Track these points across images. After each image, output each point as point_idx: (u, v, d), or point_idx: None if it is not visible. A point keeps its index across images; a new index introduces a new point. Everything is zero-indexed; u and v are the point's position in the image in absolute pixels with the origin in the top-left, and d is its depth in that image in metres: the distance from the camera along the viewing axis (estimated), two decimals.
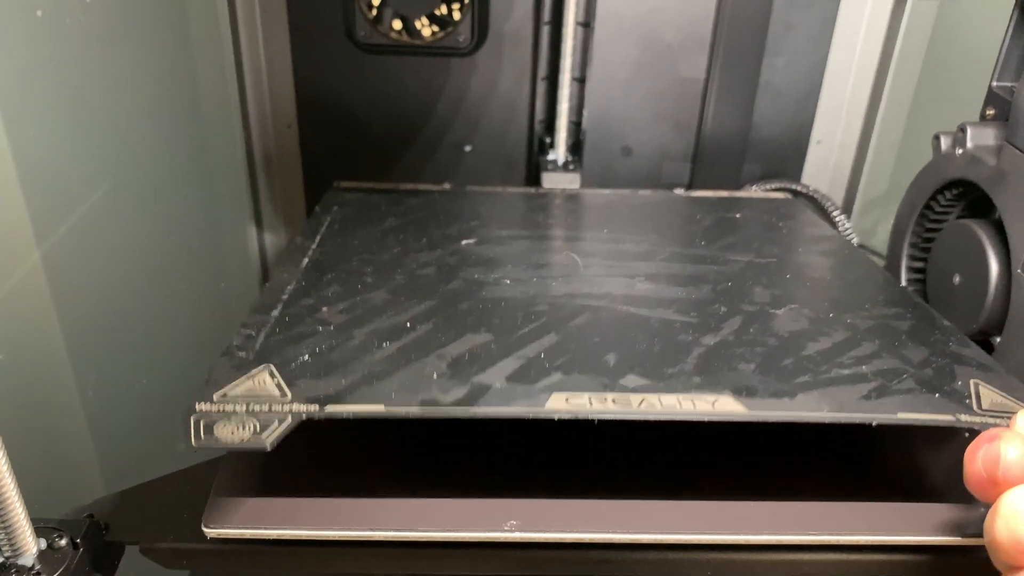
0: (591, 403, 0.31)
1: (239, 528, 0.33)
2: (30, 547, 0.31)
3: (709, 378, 0.34)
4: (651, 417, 0.31)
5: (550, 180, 0.68)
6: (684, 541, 0.33)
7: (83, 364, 0.45)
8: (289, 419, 0.31)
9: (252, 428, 0.30)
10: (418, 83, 0.71)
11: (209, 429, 0.30)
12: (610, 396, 0.32)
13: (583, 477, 0.35)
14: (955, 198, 0.51)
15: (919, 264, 0.55)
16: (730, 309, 0.42)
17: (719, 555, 0.33)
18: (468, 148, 0.73)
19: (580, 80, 0.70)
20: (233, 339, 0.38)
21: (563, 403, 0.31)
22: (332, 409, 0.31)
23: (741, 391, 0.33)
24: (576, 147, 0.71)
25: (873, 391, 0.34)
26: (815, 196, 0.74)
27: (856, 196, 0.76)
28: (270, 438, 0.30)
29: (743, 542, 0.33)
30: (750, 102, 0.72)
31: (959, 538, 0.32)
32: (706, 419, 0.31)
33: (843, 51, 0.73)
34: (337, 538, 0.33)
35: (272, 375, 0.34)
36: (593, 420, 0.31)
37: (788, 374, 0.35)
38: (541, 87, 0.71)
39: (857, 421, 0.31)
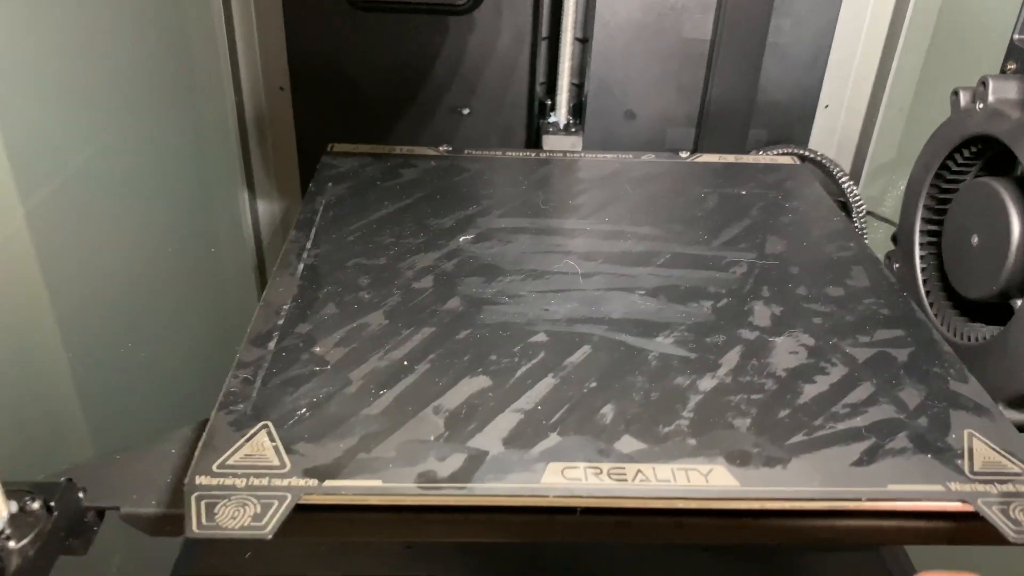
0: (586, 477, 0.32)
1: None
2: None
3: (703, 439, 0.34)
4: (645, 495, 0.31)
5: (551, 143, 0.66)
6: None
7: (69, 328, 0.44)
8: (288, 498, 0.30)
9: (252, 511, 0.30)
10: (414, 43, 0.68)
11: (210, 512, 0.30)
12: (606, 467, 0.32)
13: None
14: (974, 156, 0.49)
15: (934, 227, 0.53)
16: (729, 337, 0.42)
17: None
18: (466, 111, 0.71)
19: (583, 40, 0.68)
20: (229, 383, 0.37)
21: (559, 477, 0.32)
22: (331, 485, 0.31)
23: (734, 459, 0.33)
24: (578, 110, 0.69)
25: (865, 454, 0.34)
26: (823, 162, 0.72)
27: (865, 161, 0.74)
28: (270, 524, 0.30)
29: (756, 508, 0.32)
30: (757, 65, 0.69)
31: None
32: (700, 497, 0.31)
33: (853, 11, 0.70)
34: (332, 502, 0.31)
35: (271, 438, 0.33)
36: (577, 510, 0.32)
37: (782, 432, 0.35)
38: (542, 47, 0.68)
39: (847, 498, 0.32)
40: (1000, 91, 0.46)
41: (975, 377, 0.40)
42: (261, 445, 0.33)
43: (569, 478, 0.32)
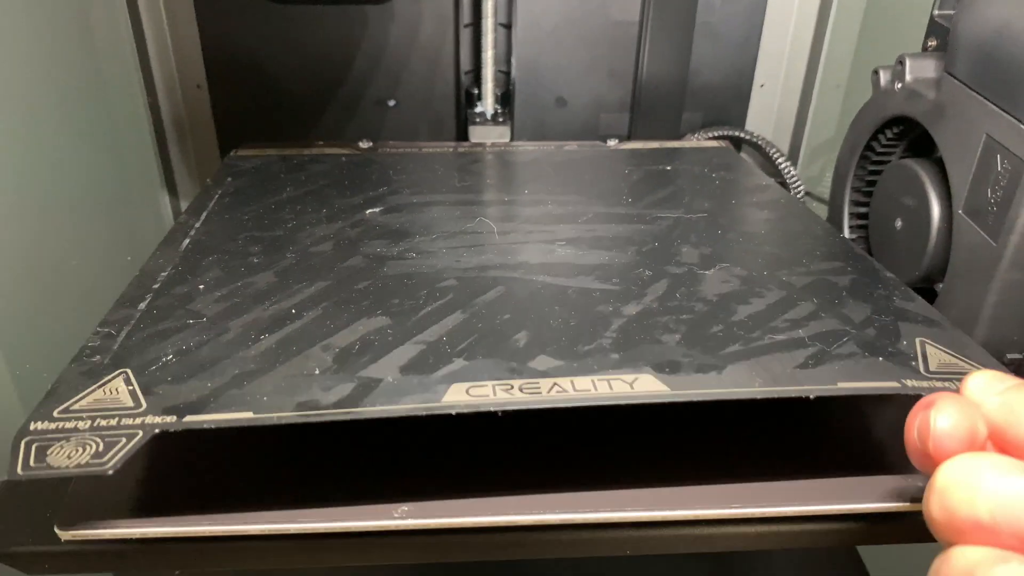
0: (495, 393, 0.28)
1: (96, 529, 0.30)
2: None
3: (628, 354, 0.31)
4: (561, 404, 0.27)
5: (478, 134, 0.64)
6: (602, 520, 0.30)
7: None
8: (139, 434, 0.26)
9: (93, 449, 0.26)
10: (334, 35, 0.66)
11: (41, 454, 0.26)
12: (517, 383, 0.29)
13: (488, 465, 0.32)
14: (896, 137, 0.48)
15: (862, 209, 0.52)
16: (655, 273, 0.38)
17: (637, 532, 0.30)
18: (392, 103, 0.68)
19: (506, 26, 0.66)
20: (87, 340, 0.33)
21: (463, 395, 0.28)
22: (191, 420, 0.27)
23: (663, 367, 0.30)
24: (506, 98, 0.67)
25: (810, 358, 0.31)
26: (760, 143, 0.70)
27: (802, 141, 0.73)
28: (112, 460, 0.25)
29: (663, 519, 0.30)
30: (687, 45, 0.68)
31: (905, 504, 0.30)
32: (623, 403, 0.28)
33: None
34: (206, 534, 0.30)
35: (128, 382, 0.29)
36: (496, 412, 0.27)
37: (716, 344, 0.32)
38: (465, 35, 0.66)
39: (791, 395, 0.28)
40: (917, 70, 0.45)
41: None
42: (115, 390, 0.29)
43: (475, 395, 0.28)
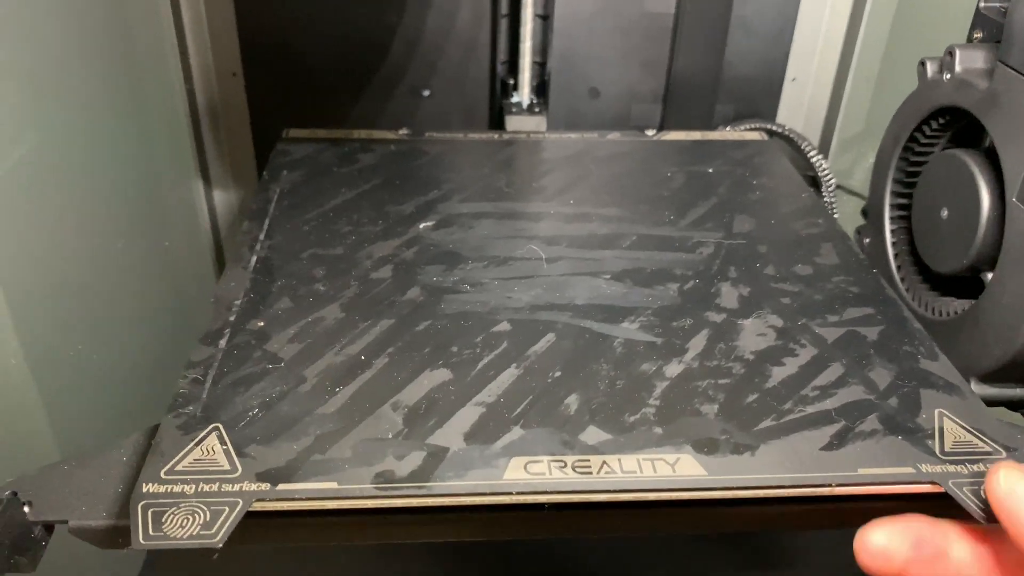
0: (550, 471, 0.31)
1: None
2: None
3: (670, 428, 0.33)
4: (610, 488, 0.30)
5: (514, 123, 0.64)
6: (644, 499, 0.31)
7: (23, 330, 0.42)
8: (240, 504, 0.29)
9: (201, 520, 0.28)
10: (370, 23, 0.66)
11: (158, 523, 0.28)
12: (570, 460, 0.31)
13: None
14: (942, 127, 0.49)
15: (903, 200, 0.52)
16: (696, 321, 0.41)
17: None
18: (426, 92, 0.69)
19: (543, 17, 0.66)
20: (179, 384, 0.35)
21: (522, 472, 0.31)
22: (283, 489, 0.29)
23: (702, 447, 0.32)
24: (541, 88, 0.68)
25: (835, 439, 0.33)
26: (791, 136, 0.71)
27: (833, 134, 0.74)
28: (220, 532, 0.28)
29: (732, 496, 0.31)
30: (722, 38, 0.68)
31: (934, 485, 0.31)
32: (667, 488, 0.31)
33: None
34: (291, 508, 0.30)
35: (221, 440, 0.32)
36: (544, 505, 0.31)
37: (750, 418, 0.34)
38: (503, 25, 0.66)
39: (817, 484, 0.31)
40: (967, 61, 0.45)
41: (947, 352, 0.39)
42: (211, 449, 0.31)
43: (532, 473, 0.31)
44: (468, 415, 0.34)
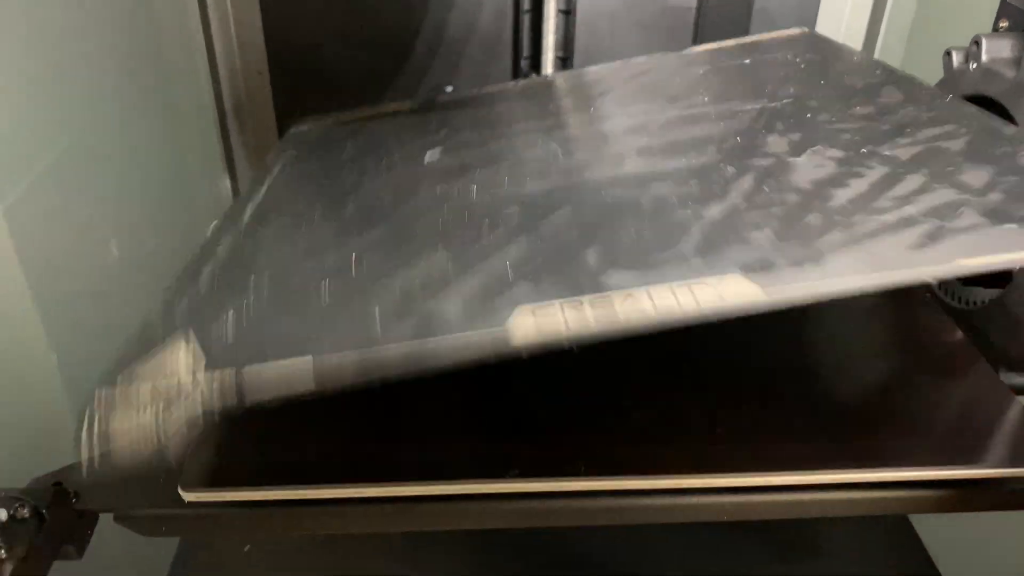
0: (563, 312, 0.25)
1: (219, 491, 0.31)
2: None
3: (711, 257, 0.27)
4: (641, 330, 0.24)
5: None
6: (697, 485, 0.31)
7: (54, 325, 0.43)
8: (198, 403, 0.25)
9: (152, 416, 0.26)
10: (394, 22, 0.67)
11: (105, 420, 0.26)
12: (586, 299, 0.25)
13: (571, 409, 0.33)
14: None
15: None
16: (738, 168, 0.34)
17: (735, 498, 0.31)
18: (449, 88, 0.69)
19: (566, 12, 0.66)
20: (151, 309, 0.32)
21: (529, 317, 0.25)
22: (252, 375, 0.25)
23: (753, 268, 0.25)
24: None
25: (925, 237, 0.26)
26: None
27: None
28: (166, 428, 0.25)
29: (757, 483, 0.31)
30: (744, 31, 0.68)
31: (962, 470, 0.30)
32: (712, 317, 0.24)
33: None
34: (324, 496, 0.31)
35: (187, 345, 0.28)
36: (571, 348, 0.25)
37: (812, 234, 0.27)
38: (525, 21, 0.67)
39: (908, 282, 0.24)
40: (994, 50, 0.45)
41: (976, 341, 0.39)
42: (176, 358, 0.28)
43: (541, 316, 0.25)
44: (467, 283, 0.28)
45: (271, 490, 0.31)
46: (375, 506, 0.31)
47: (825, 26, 0.71)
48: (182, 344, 0.28)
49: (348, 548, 0.61)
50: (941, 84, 0.50)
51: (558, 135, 0.43)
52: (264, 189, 0.44)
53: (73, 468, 0.34)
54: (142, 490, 0.32)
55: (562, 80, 0.55)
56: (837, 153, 0.34)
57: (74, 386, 0.44)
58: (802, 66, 0.47)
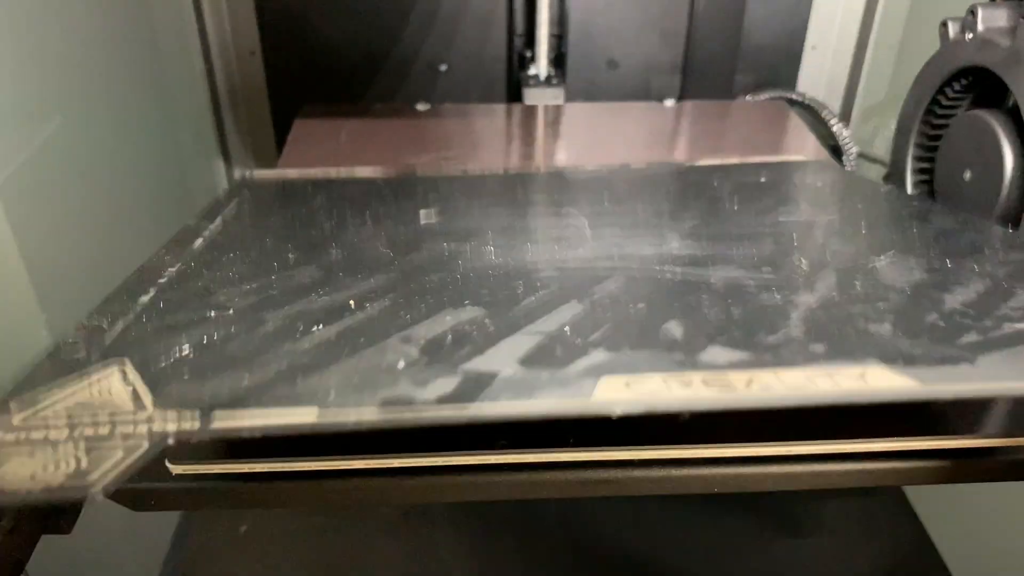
0: (669, 390, 0.20)
1: (207, 464, 0.31)
2: None
3: (837, 346, 0.24)
4: (778, 404, 0.21)
5: (533, 96, 0.64)
6: (687, 456, 0.30)
7: (49, 303, 0.43)
8: (145, 444, 0.19)
9: (71, 464, 0.19)
10: (387, 1, 0.66)
11: None
12: (696, 377, 0.21)
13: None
14: (964, 89, 0.48)
15: (925, 164, 0.52)
16: (812, 263, 0.31)
17: (723, 470, 0.31)
18: (444, 67, 0.69)
19: None
20: (68, 336, 0.26)
21: (623, 391, 0.20)
22: (224, 424, 0.20)
23: (894, 359, 0.23)
24: (559, 61, 0.67)
25: None
26: (811, 104, 0.70)
27: (854, 103, 0.73)
28: (100, 473, 0.19)
29: (750, 454, 0.30)
30: (740, 7, 0.67)
31: (957, 440, 0.30)
32: (865, 402, 0.21)
33: None
34: (315, 468, 0.30)
35: (124, 377, 0.22)
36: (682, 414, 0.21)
37: (946, 335, 0.25)
38: None
39: None
40: (990, 20, 0.45)
41: None
42: (107, 390, 0.22)
43: (639, 392, 0.21)
44: (520, 343, 0.24)
45: (259, 462, 0.30)
46: (363, 479, 0.31)
47: (823, 2, 0.70)
48: (115, 373, 0.23)
49: (344, 531, 0.61)
50: (937, 55, 0.49)
51: (576, 211, 0.39)
52: (218, 222, 0.40)
53: None
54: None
55: (560, 121, 0.53)
56: (921, 262, 0.31)
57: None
58: (823, 189, 0.46)
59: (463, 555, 0.61)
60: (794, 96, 0.70)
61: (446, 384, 0.21)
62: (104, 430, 0.20)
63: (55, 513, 0.31)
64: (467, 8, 0.67)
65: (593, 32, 0.67)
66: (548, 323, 0.25)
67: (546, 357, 0.23)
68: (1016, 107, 0.41)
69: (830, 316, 0.26)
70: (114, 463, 0.19)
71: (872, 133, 0.70)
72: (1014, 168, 0.42)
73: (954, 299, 0.28)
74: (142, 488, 0.32)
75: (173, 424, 0.20)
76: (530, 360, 0.22)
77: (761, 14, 0.69)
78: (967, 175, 0.45)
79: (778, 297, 0.28)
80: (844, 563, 0.60)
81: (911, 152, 0.52)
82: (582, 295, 0.28)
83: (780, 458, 0.30)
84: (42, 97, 0.43)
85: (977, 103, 0.48)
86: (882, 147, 0.70)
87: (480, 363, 0.22)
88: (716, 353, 0.23)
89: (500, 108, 0.62)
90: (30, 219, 0.41)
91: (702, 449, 0.30)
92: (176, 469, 0.30)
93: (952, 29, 0.47)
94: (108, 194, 0.51)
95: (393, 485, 0.31)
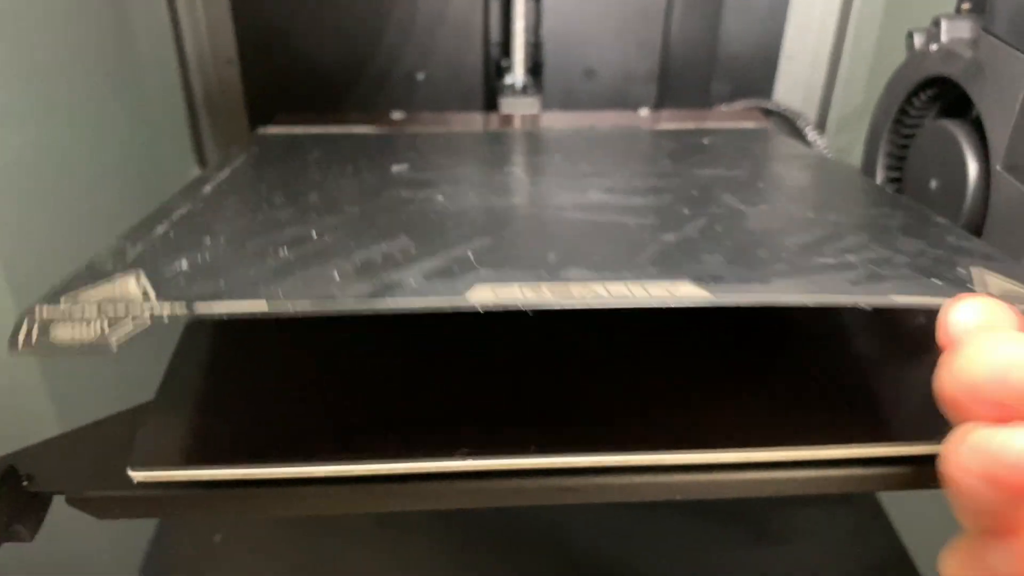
0: (523, 293, 0.27)
1: (169, 471, 0.31)
2: None
3: (667, 268, 0.30)
4: (595, 305, 0.26)
5: (508, 105, 0.64)
6: (648, 463, 0.31)
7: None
8: (147, 318, 0.26)
9: (99, 329, 0.26)
10: (364, 9, 0.66)
11: (45, 330, 0.26)
12: (546, 285, 0.27)
13: (528, 390, 0.33)
14: (931, 99, 0.49)
15: (896, 174, 0.52)
16: (694, 212, 0.37)
17: (688, 477, 0.31)
18: (421, 76, 0.69)
19: None
20: (98, 253, 0.33)
21: (489, 294, 0.27)
22: (203, 308, 0.27)
23: (705, 278, 0.28)
24: (535, 70, 0.68)
25: (863, 277, 0.29)
26: (787, 114, 0.71)
27: (830, 112, 0.73)
28: (115, 335, 0.25)
29: (712, 461, 0.31)
30: (716, 16, 0.68)
31: (931, 446, 0.29)
32: (660, 305, 0.26)
33: None
34: (279, 476, 0.30)
35: (137, 281, 0.29)
36: (527, 312, 0.26)
37: (761, 263, 0.30)
38: (495, 6, 0.67)
39: (842, 304, 0.27)
40: (953, 31, 0.45)
41: None
42: (125, 286, 0.29)
43: (501, 295, 0.27)
44: (430, 263, 0.30)
45: (221, 469, 0.30)
46: (328, 487, 0.31)
47: (798, 11, 0.71)
48: (132, 279, 0.30)
49: (320, 540, 0.61)
50: (904, 66, 0.50)
51: (525, 167, 0.48)
52: (227, 173, 0.47)
53: (28, 451, 0.33)
54: (95, 472, 0.32)
55: (529, 126, 0.61)
56: (787, 212, 0.39)
57: (49, 370, 0.44)
58: (757, 149, 0.54)
59: (439, 563, 0.61)
60: (770, 105, 0.71)
61: (364, 288, 0.28)
62: (121, 312, 0.27)
63: (17, 520, 0.31)
64: (444, 17, 0.67)
65: (569, 41, 0.68)
66: (458, 251, 0.32)
67: (445, 273, 0.29)
68: (979, 117, 0.42)
69: (680, 249, 0.32)
70: (126, 331, 0.26)
71: (849, 142, 0.71)
72: (977, 177, 0.42)
73: (794, 240, 0.34)
74: (106, 496, 0.32)
75: (168, 310, 0.27)
76: (431, 274, 0.29)
77: (737, 24, 0.70)
78: (933, 184, 0.46)
79: (647, 236, 0.34)
80: (819, 571, 0.60)
81: (881, 161, 0.53)
82: (495, 232, 0.35)
83: (751, 465, 0.30)
84: (17, 105, 0.43)
85: (944, 112, 0.49)
86: (859, 156, 0.71)
87: (395, 276, 0.29)
88: (572, 272, 0.29)
89: (477, 117, 0.63)
90: (5, 226, 0.41)
91: (664, 455, 0.30)
92: (138, 476, 0.30)
93: (918, 40, 0.48)
94: (84, 201, 0.51)
95: (358, 493, 0.31)
